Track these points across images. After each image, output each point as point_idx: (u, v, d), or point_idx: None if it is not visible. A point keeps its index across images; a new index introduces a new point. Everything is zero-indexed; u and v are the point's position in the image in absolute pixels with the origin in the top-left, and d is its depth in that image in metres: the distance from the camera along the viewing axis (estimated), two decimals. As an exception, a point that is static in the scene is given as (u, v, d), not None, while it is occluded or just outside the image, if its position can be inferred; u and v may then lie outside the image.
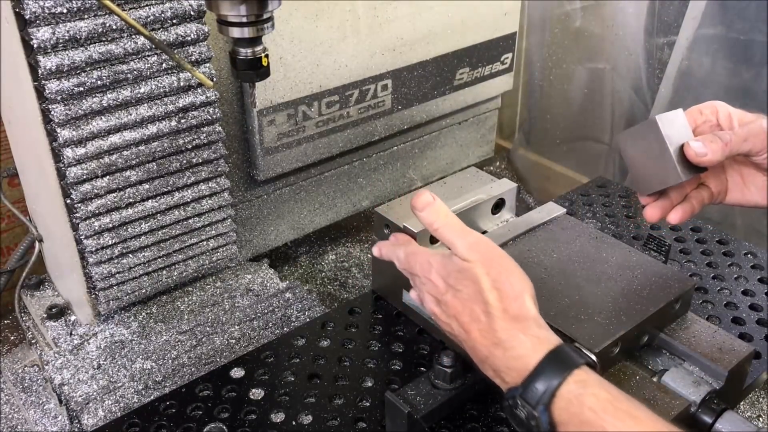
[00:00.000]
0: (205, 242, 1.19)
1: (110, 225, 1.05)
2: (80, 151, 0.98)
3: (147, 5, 0.96)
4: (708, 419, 0.81)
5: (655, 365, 0.87)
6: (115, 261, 1.09)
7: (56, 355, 1.11)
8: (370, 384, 0.94)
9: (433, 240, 1.00)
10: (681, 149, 0.82)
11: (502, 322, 0.74)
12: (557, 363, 0.70)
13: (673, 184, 0.84)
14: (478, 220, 1.05)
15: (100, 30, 0.93)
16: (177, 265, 1.18)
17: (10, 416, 1.10)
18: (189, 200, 1.12)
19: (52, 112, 0.94)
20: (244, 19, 0.84)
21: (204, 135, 1.08)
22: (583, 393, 0.67)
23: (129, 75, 0.97)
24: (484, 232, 1.00)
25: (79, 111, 0.95)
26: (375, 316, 1.06)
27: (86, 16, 0.92)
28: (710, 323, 0.91)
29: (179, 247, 1.16)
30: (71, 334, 1.16)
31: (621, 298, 0.86)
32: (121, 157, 1.02)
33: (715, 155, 0.80)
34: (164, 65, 1.00)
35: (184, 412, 0.91)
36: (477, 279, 0.76)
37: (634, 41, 1.58)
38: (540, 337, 0.73)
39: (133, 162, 1.03)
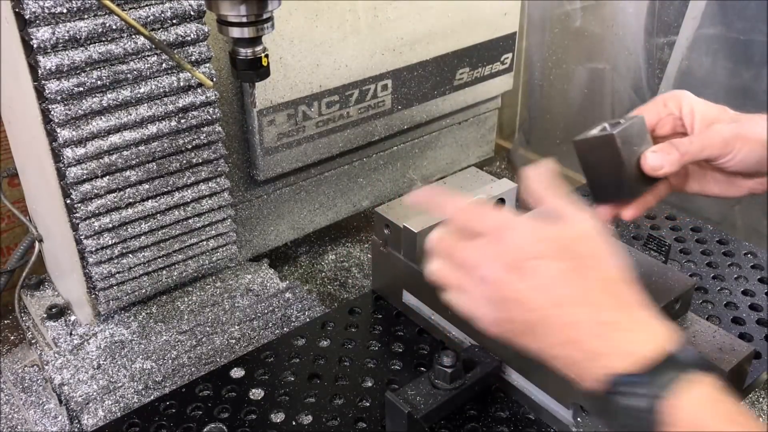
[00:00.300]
0: (205, 242, 1.19)
1: (110, 225, 1.05)
2: (80, 151, 0.98)
3: (147, 5, 0.96)
4: (708, 419, 0.81)
5: (655, 365, 0.87)
6: (115, 261, 1.09)
7: (56, 355, 1.11)
8: (370, 384, 0.94)
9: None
10: (638, 161, 0.80)
11: (626, 299, 0.65)
12: (689, 356, 0.62)
13: (628, 198, 0.82)
14: (478, 220, 1.04)
15: (100, 30, 0.93)
16: (177, 265, 1.18)
17: (10, 416, 1.10)
18: (189, 200, 1.12)
19: (52, 112, 0.94)
20: (244, 19, 0.84)
21: (204, 135, 1.08)
22: (714, 395, 0.60)
23: (129, 75, 0.97)
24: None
25: (79, 111, 0.95)
26: (375, 316, 1.06)
27: (86, 16, 0.92)
28: (710, 323, 0.91)
29: (179, 247, 1.16)
30: (71, 334, 1.16)
31: (621, 298, 0.86)
32: (121, 157, 1.02)
33: (672, 167, 0.80)
34: (164, 65, 1.00)
35: (184, 412, 0.91)
36: (600, 249, 0.67)
37: (634, 41, 1.58)
38: (666, 325, 0.64)
39: (133, 162, 1.03)
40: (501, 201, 1.06)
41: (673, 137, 0.84)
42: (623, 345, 0.62)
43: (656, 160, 0.80)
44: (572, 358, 0.65)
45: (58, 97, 0.93)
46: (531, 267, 0.65)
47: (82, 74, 0.94)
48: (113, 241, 1.07)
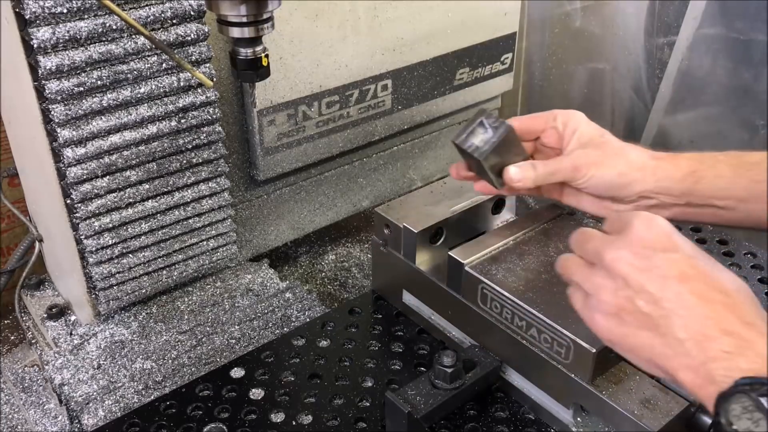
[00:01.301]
0: (205, 242, 1.19)
1: (110, 225, 1.05)
2: (80, 151, 0.98)
3: (147, 5, 0.96)
4: (708, 419, 0.81)
5: (655, 365, 0.87)
6: (115, 261, 1.09)
7: (56, 355, 1.11)
8: (370, 384, 0.94)
9: (433, 240, 1.01)
10: (502, 167, 0.89)
11: (755, 308, 0.62)
12: None
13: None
14: (478, 220, 1.05)
15: (100, 30, 0.93)
16: (177, 265, 1.18)
17: (10, 416, 1.10)
18: (189, 200, 1.12)
19: (52, 112, 0.94)
20: (244, 19, 0.85)
21: (204, 135, 1.08)
22: None
23: (129, 75, 0.97)
24: (483, 233, 1.00)
25: (79, 111, 0.95)
26: (375, 316, 1.06)
27: (86, 16, 0.92)
28: (710, 323, 0.91)
29: (179, 247, 1.16)
30: (71, 334, 1.16)
31: (621, 298, 0.86)
32: (121, 157, 1.02)
33: (527, 184, 0.89)
34: (164, 65, 1.00)
35: (184, 412, 0.91)
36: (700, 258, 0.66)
37: (634, 41, 1.58)
38: None
39: (133, 162, 1.03)
40: (501, 201, 1.06)
41: (554, 149, 0.93)
42: (759, 347, 0.58)
43: (516, 174, 0.89)
44: (694, 358, 0.60)
45: (58, 97, 0.93)
46: (660, 258, 0.64)
47: (83, 74, 0.94)
48: (113, 241, 1.07)
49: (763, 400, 0.55)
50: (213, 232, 1.18)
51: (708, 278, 0.63)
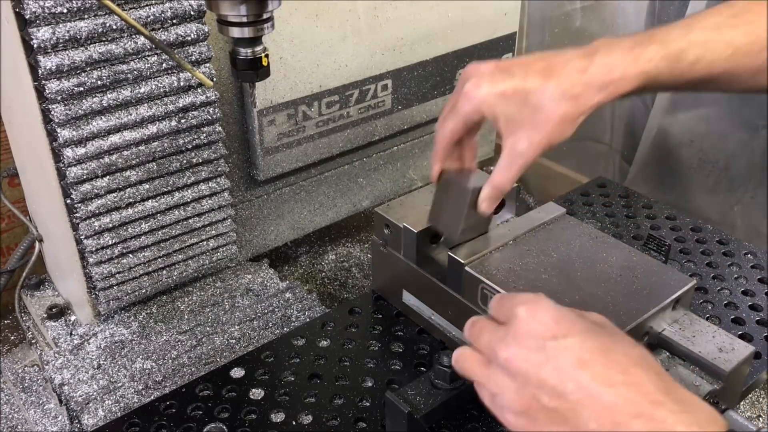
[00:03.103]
0: (205, 242, 1.19)
1: (110, 225, 1.05)
2: (80, 151, 0.98)
3: (147, 5, 0.96)
4: (708, 419, 0.81)
5: (655, 365, 0.87)
6: (115, 261, 1.09)
7: (56, 355, 1.11)
8: (370, 384, 0.94)
9: (433, 240, 1.01)
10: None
11: (663, 377, 0.60)
12: None
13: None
14: (478, 220, 1.04)
15: (100, 30, 0.93)
16: (177, 265, 1.18)
17: (10, 416, 1.10)
18: (189, 200, 1.12)
19: (52, 112, 0.94)
20: (244, 19, 0.85)
21: (204, 135, 1.08)
22: None
23: (129, 75, 0.97)
24: (484, 233, 1.00)
25: (79, 111, 0.95)
26: (375, 316, 1.06)
27: (86, 16, 0.92)
28: (710, 323, 0.91)
29: (179, 247, 1.16)
30: (71, 334, 1.16)
31: (621, 298, 0.86)
32: (121, 157, 1.02)
33: (498, 200, 0.89)
34: (164, 65, 1.00)
35: (184, 412, 0.91)
36: (619, 330, 0.65)
37: (634, 41, 1.58)
38: (708, 408, 0.59)
39: (133, 162, 1.03)
40: (501, 201, 1.06)
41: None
42: (669, 426, 0.56)
43: (487, 207, 0.89)
44: None
45: (58, 97, 0.93)
46: (553, 348, 0.61)
47: (83, 74, 0.94)
48: (113, 241, 1.07)
49: None
50: (213, 232, 1.18)
51: (605, 359, 0.60)
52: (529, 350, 0.62)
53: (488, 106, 0.83)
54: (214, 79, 1.05)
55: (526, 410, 0.62)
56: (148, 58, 0.98)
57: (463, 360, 0.69)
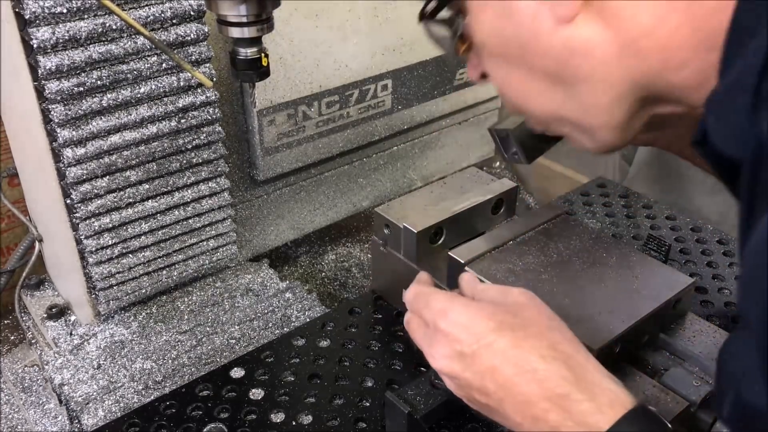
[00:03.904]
0: (205, 242, 1.19)
1: (110, 225, 1.05)
2: (80, 151, 0.98)
3: (147, 5, 0.96)
4: (708, 419, 0.81)
5: (655, 365, 0.88)
6: (115, 261, 1.09)
7: (56, 355, 1.11)
8: (370, 384, 0.94)
9: (433, 240, 1.01)
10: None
11: (573, 362, 0.66)
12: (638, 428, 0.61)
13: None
14: (478, 220, 1.05)
15: (100, 30, 0.93)
16: (177, 265, 1.18)
17: (10, 416, 1.10)
18: (189, 200, 1.12)
19: (52, 112, 0.94)
20: (244, 19, 0.84)
21: (204, 135, 1.08)
22: None
23: (129, 75, 0.97)
24: (483, 233, 1.00)
25: (79, 111, 0.95)
26: (375, 316, 1.06)
27: (86, 16, 0.92)
28: (710, 323, 0.91)
29: (179, 247, 1.16)
30: (71, 334, 1.15)
31: (621, 298, 0.86)
32: (121, 157, 1.02)
33: None
34: (164, 65, 1.00)
35: (184, 412, 0.91)
36: (535, 314, 0.70)
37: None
38: (617, 386, 0.64)
39: (133, 162, 1.03)
40: (500, 201, 1.06)
41: None
42: (579, 417, 0.62)
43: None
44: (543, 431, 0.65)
45: (58, 97, 0.93)
46: (472, 353, 0.69)
47: (82, 74, 0.94)
48: (113, 241, 1.07)
49: None
50: (213, 232, 1.18)
51: (515, 359, 0.67)
52: (451, 359, 0.70)
53: None
54: (214, 79, 1.05)
55: (467, 398, 0.71)
56: (148, 58, 0.98)
57: (411, 330, 0.78)
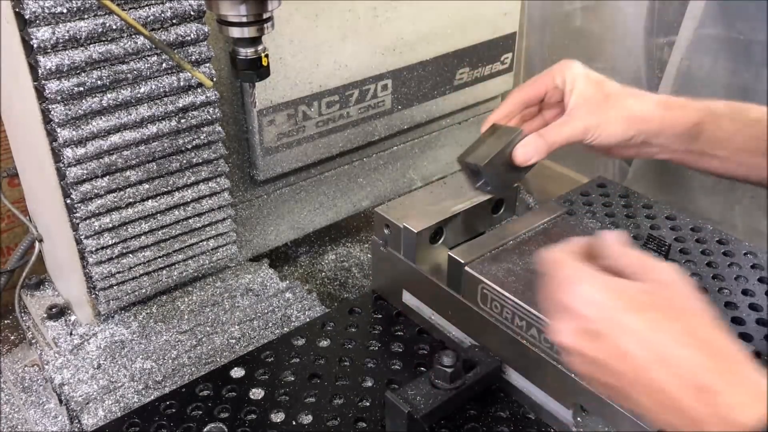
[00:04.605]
0: (205, 242, 1.19)
1: (110, 225, 1.05)
2: (80, 151, 0.98)
3: (147, 5, 0.96)
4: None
5: (655, 365, 0.87)
6: (115, 261, 1.09)
7: (56, 355, 1.11)
8: (370, 384, 0.94)
9: (433, 240, 1.01)
10: (509, 156, 0.92)
11: (719, 352, 0.61)
12: None
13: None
14: (478, 220, 1.05)
15: (100, 30, 0.93)
16: (177, 265, 1.18)
17: (10, 416, 1.10)
18: (189, 200, 1.12)
19: (52, 112, 0.94)
20: (244, 19, 0.85)
21: (204, 135, 1.08)
22: None
23: (129, 75, 0.97)
24: (483, 232, 1.00)
25: (79, 111, 0.95)
26: (375, 316, 1.06)
27: (86, 16, 0.92)
28: (710, 323, 0.91)
29: (179, 247, 1.16)
30: (71, 334, 1.16)
31: (621, 298, 0.86)
32: (121, 157, 1.02)
33: (541, 155, 0.91)
34: (164, 65, 1.00)
35: (184, 412, 0.91)
36: (684, 296, 0.64)
37: (634, 41, 1.58)
38: (764, 379, 0.59)
39: (133, 162, 1.03)
40: (500, 201, 1.06)
41: (559, 104, 0.96)
42: (722, 410, 0.57)
43: (522, 156, 0.91)
44: (672, 423, 0.61)
45: (58, 97, 0.93)
46: (606, 329, 0.63)
47: (82, 74, 0.94)
48: (113, 241, 1.07)
49: None
50: (213, 232, 1.18)
51: (650, 345, 0.62)
52: (579, 336, 0.65)
53: (569, 71, 0.95)
54: (214, 79, 1.05)
55: (590, 377, 0.66)
56: (148, 58, 0.98)
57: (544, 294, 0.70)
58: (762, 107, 0.92)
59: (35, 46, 0.89)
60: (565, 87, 0.95)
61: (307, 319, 1.14)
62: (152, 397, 0.98)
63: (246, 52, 0.88)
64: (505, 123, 0.97)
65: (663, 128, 0.91)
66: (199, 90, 1.05)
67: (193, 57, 1.02)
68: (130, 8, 0.95)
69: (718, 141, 0.92)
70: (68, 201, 1.02)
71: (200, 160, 1.10)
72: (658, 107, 0.92)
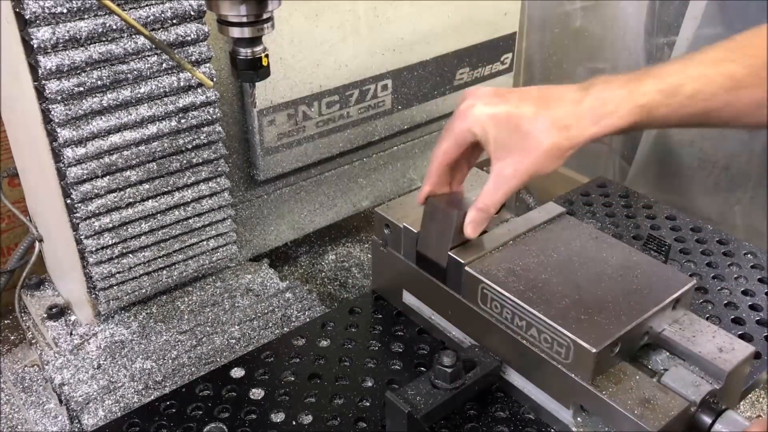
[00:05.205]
0: (205, 242, 1.19)
1: (110, 225, 1.05)
2: (80, 151, 0.98)
3: (147, 5, 0.96)
4: (708, 419, 0.81)
5: (655, 365, 0.88)
6: (115, 261, 1.10)
7: (56, 355, 1.11)
8: (370, 384, 0.94)
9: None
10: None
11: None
12: None
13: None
14: (478, 220, 1.04)
15: (100, 30, 0.93)
16: (177, 265, 1.18)
17: (10, 416, 1.10)
18: (189, 200, 1.12)
19: (52, 112, 0.94)
20: (244, 19, 0.84)
21: (204, 135, 1.08)
22: None
23: (129, 75, 0.97)
24: (484, 233, 1.00)
25: (79, 111, 0.95)
26: (375, 316, 1.06)
27: (86, 16, 0.92)
28: (710, 323, 0.91)
29: (179, 247, 1.16)
30: (71, 334, 1.16)
31: (621, 298, 0.86)
32: (121, 157, 1.02)
33: (484, 225, 0.92)
34: (164, 65, 1.00)
35: (184, 412, 0.91)
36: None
37: (634, 41, 1.58)
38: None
39: (133, 162, 1.03)
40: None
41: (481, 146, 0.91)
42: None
43: (473, 231, 0.91)
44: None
45: (58, 97, 0.93)
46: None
47: (83, 74, 0.94)
48: (113, 241, 1.07)
49: None
50: (213, 232, 1.18)
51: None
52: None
53: (480, 126, 0.86)
54: (214, 79, 1.05)
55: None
56: (148, 58, 0.98)
57: None
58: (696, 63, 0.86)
59: (35, 46, 0.89)
60: (479, 137, 0.88)
61: (307, 319, 1.14)
62: (152, 397, 0.98)
63: (246, 52, 0.88)
64: (440, 191, 0.95)
65: (597, 138, 0.87)
66: (199, 90, 1.05)
67: (193, 57, 1.02)
68: (130, 8, 0.95)
69: (659, 126, 0.91)
70: (68, 201, 1.02)
71: (200, 160, 1.10)
72: (587, 120, 0.84)
